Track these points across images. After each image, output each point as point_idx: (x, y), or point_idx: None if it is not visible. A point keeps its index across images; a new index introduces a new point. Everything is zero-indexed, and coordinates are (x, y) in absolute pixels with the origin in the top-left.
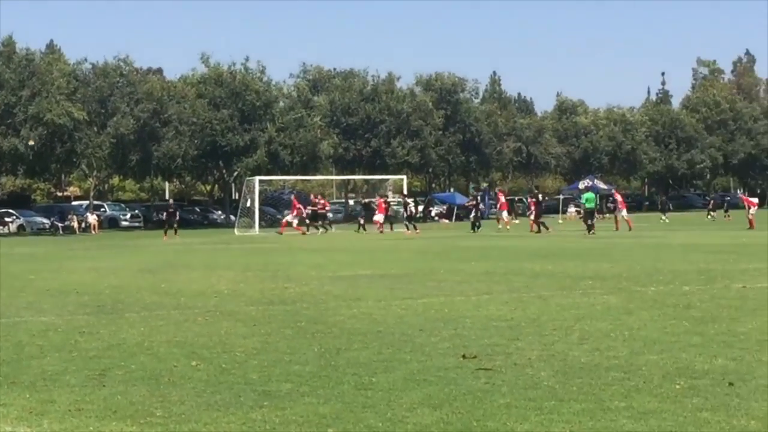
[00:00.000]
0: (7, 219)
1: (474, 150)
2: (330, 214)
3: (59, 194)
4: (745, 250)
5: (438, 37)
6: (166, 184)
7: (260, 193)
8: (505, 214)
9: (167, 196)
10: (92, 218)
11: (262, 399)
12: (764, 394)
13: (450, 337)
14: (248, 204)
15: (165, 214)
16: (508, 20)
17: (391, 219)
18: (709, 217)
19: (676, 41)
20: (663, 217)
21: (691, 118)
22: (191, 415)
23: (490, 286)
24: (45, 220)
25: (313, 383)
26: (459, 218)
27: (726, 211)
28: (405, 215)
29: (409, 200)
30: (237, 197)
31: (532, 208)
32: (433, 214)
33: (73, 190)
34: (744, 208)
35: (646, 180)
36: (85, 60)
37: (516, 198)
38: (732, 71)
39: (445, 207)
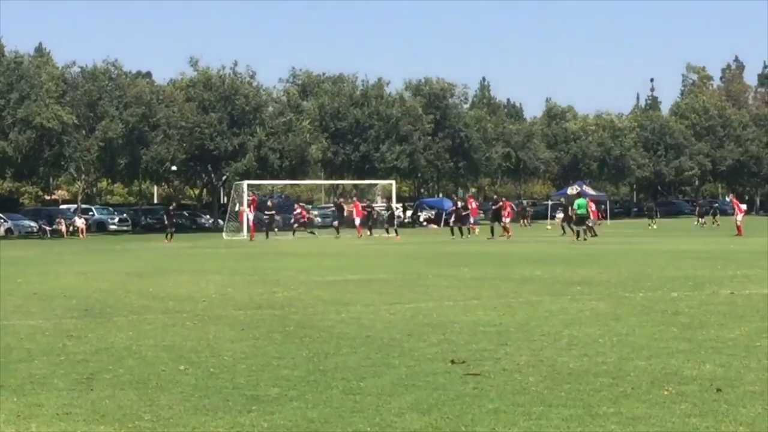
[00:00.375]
0: None
1: (463, 155)
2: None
3: (47, 198)
4: (733, 257)
5: (428, 42)
6: (155, 188)
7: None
8: (473, 219)
9: (156, 200)
10: (80, 222)
11: (250, 403)
12: (752, 400)
13: (438, 342)
14: (237, 208)
15: (166, 216)
16: (498, 26)
17: (369, 222)
18: (696, 223)
19: (666, 48)
20: (651, 224)
21: (680, 125)
22: (179, 419)
23: (479, 292)
24: (33, 224)
25: (302, 388)
26: (447, 223)
27: (714, 216)
28: (386, 219)
29: (397, 205)
30: (225, 201)
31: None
32: (421, 219)
33: (61, 193)
34: (733, 212)
35: (634, 186)
36: (74, 63)
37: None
38: (721, 78)
39: (433, 212)
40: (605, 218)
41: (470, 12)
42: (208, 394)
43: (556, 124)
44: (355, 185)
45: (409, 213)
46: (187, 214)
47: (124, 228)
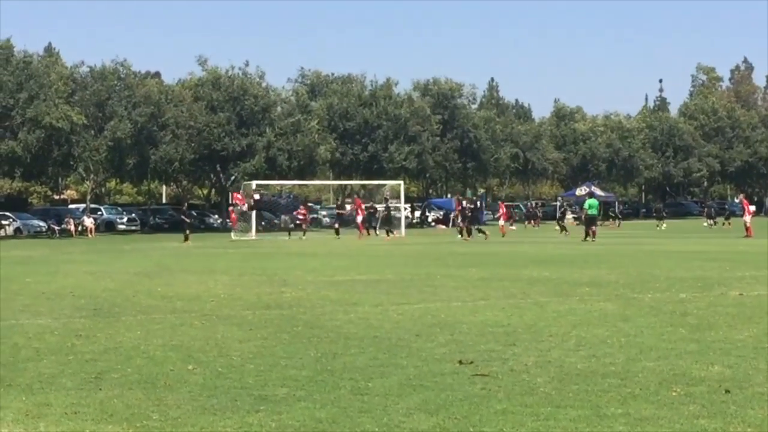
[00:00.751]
0: (3, 222)
1: (471, 156)
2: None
3: (56, 197)
4: (741, 258)
5: (436, 43)
6: (164, 187)
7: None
8: (359, 218)
9: (164, 200)
10: (89, 221)
11: (258, 403)
12: (761, 401)
13: (446, 342)
14: (245, 208)
15: (182, 216)
16: (507, 27)
17: (372, 222)
18: (705, 224)
19: (674, 49)
20: (659, 225)
21: (689, 126)
22: (187, 419)
23: (487, 292)
24: (42, 223)
25: (310, 388)
26: (456, 224)
27: (727, 218)
28: (381, 219)
29: (406, 205)
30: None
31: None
32: (430, 219)
33: (70, 193)
34: (742, 213)
35: (643, 187)
36: (83, 63)
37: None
38: (730, 79)
39: (442, 213)
40: (619, 219)
41: (479, 12)
42: (216, 393)
43: (564, 125)
44: (363, 186)
45: (417, 213)
46: (195, 214)
47: (133, 228)
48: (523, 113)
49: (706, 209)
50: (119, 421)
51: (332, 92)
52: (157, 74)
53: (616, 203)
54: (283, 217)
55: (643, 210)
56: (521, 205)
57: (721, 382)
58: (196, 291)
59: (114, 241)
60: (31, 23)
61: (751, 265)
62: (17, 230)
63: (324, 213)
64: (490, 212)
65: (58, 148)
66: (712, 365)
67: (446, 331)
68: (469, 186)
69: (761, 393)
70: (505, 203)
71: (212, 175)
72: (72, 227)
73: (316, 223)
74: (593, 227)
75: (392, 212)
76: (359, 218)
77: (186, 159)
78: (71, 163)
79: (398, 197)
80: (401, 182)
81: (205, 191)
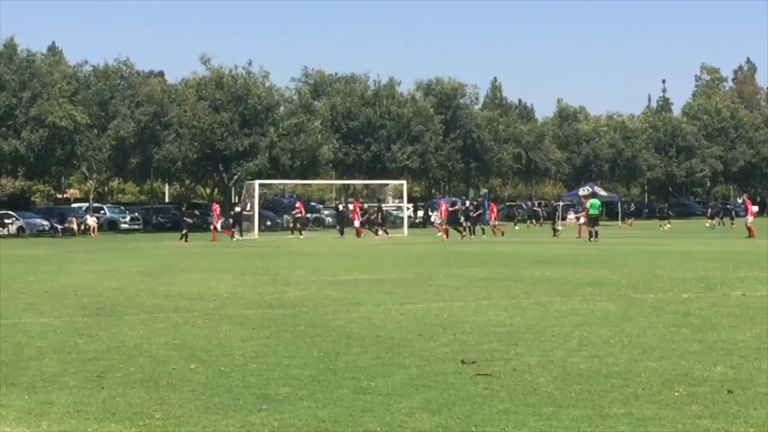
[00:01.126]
0: (6, 220)
1: (474, 156)
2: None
3: (59, 196)
4: (744, 258)
5: (440, 43)
6: (166, 187)
7: (260, 197)
8: (356, 222)
9: (167, 199)
10: (92, 220)
11: (260, 402)
12: (763, 401)
13: (449, 342)
14: (248, 208)
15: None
16: (510, 26)
17: (373, 224)
18: (708, 224)
19: (677, 49)
20: (662, 225)
21: (692, 126)
22: (190, 417)
23: (490, 292)
24: (45, 222)
25: (312, 387)
26: (459, 223)
27: (732, 219)
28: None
29: (408, 205)
30: (237, 201)
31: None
32: (432, 219)
33: (72, 192)
34: (745, 213)
35: (646, 187)
36: (86, 62)
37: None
38: (733, 79)
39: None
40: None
41: (482, 12)
42: (219, 392)
43: (567, 125)
44: (366, 185)
45: (420, 213)
46: (198, 213)
47: (136, 227)
48: (526, 113)
49: (710, 209)
50: (122, 420)
51: (335, 92)
52: (161, 73)
53: (619, 203)
54: (286, 216)
55: (646, 210)
56: (524, 205)
57: (723, 383)
58: (199, 290)
59: (117, 240)
60: (35, 22)
61: (753, 265)
62: (20, 229)
63: (327, 212)
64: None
65: (61, 147)
66: (715, 365)
67: (449, 331)
68: (472, 186)
69: (764, 393)
70: (496, 203)
71: (215, 175)
72: (75, 226)
73: (319, 223)
74: (596, 227)
75: (385, 211)
76: (356, 222)
77: (189, 158)
78: (74, 162)
79: (401, 197)
80: (404, 182)
81: (208, 190)
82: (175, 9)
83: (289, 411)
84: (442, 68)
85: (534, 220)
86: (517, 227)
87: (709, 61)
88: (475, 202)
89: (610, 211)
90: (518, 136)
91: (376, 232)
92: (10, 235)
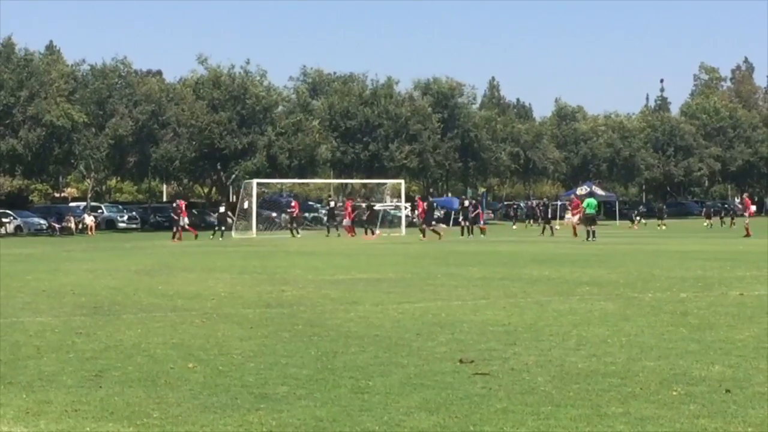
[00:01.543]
0: (4, 219)
1: (472, 155)
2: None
3: (57, 195)
4: (742, 258)
5: (438, 42)
6: (164, 186)
7: (258, 196)
8: (347, 221)
9: (165, 198)
10: (89, 219)
11: (258, 402)
12: (761, 401)
13: (447, 341)
14: (246, 207)
15: (173, 214)
16: (508, 26)
17: (369, 222)
18: (705, 224)
19: (675, 49)
20: (660, 224)
21: (690, 126)
22: (188, 417)
23: (488, 291)
24: (42, 221)
25: (310, 386)
26: (456, 223)
27: (732, 218)
28: (366, 219)
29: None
30: (235, 200)
31: (419, 211)
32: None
33: (70, 191)
34: (743, 212)
35: (643, 187)
36: (84, 61)
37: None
38: (731, 79)
39: (442, 212)
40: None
41: (480, 11)
42: (217, 392)
43: (566, 124)
44: (364, 184)
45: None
46: (196, 212)
47: (133, 226)
48: (524, 112)
49: (705, 209)
50: (120, 419)
51: (333, 91)
52: (159, 73)
53: (617, 203)
54: (284, 215)
55: (644, 210)
56: (522, 205)
57: (721, 382)
58: (197, 289)
59: (114, 239)
60: (32, 21)
61: (751, 264)
62: (18, 228)
63: (324, 211)
64: (490, 212)
65: (59, 146)
66: (713, 365)
67: (447, 330)
68: (470, 185)
69: (762, 393)
70: (462, 203)
71: (213, 174)
72: (72, 225)
73: (316, 221)
74: (593, 226)
75: (376, 210)
76: (346, 221)
77: (187, 157)
78: (72, 161)
79: (399, 196)
80: (402, 181)
81: (206, 189)
82: (173, 8)
83: (287, 410)
84: (440, 67)
85: (532, 220)
86: (515, 227)
87: (707, 61)
88: (474, 201)
89: (608, 211)
90: (516, 136)
91: (368, 232)
92: (7, 234)
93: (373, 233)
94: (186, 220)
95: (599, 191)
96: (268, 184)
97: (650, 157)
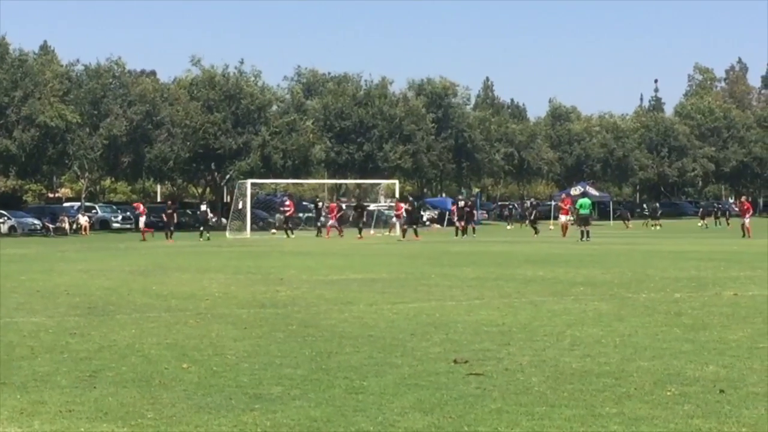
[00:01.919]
0: None
1: (466, 156)
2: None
3: (51, 195)
4: (736, 258)
5: (432, 42)
6: (158, 186)
7: (252, 196)
8: (333, 222)
9: (159, 199)
10: (83, 220)
11: (253, 402)
12: (755, 401)
13: (441, 341)
14: (240, 207)
15: (164, 215)
16: (502, 26)
17: (356, 223)
18: (700, 224)
19: (668, 49)
20: (654, 225)
21: (684, 126)
22: (182, 417)
23: (482, 292)
24: (36, 221)
25: (304, 387)
26: (451, 223)
27: (728, 219)
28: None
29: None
30: (229, 200)
31: (400, 212)
32: (424, 218)
33: (64, 191)
34: (741, 213)
35: (637, 187)
36: (78, 61)
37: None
38: (725, 79)
39: (436, 212)
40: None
41: (474, 11)
42: (211, 392)
43: (560, 124)
44: (358, 185)
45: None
46: (190, 212)
47: (127, 226)
48: (518, 113)
49: (701, 209)
50: (114, 420)
51: (328, 91)
52: (153, 73)
53: (611, 203)
54: (278, 216)
55: (638, 210)
56: (515, 205)
57: (715, 382)
58: (191, 289)
59: (108, 239)
60: (27, 21)
61: (745, 265)
62: (12, 228)
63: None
64: (484, 212)
65: (53, 146)
66: (707, 365)
67: (441, 331)
68: (464, 185)
69: (756, 393)
70: (458, 203)
71: (207, 174)
72: (66, 225)
73: (310, 222)
74: (587, 227)
75: (370, 211)
76: (331, 221)
77: (181, 157)
78: (66, 161)
79: (393, 196)
80: (396, 181)
81: (200, 190)
82: (167, 8)
83: (281, 410)
84: (434, 68)
85: (527, 220)
86: (509, 227)
87: (701, 61)
88: (469, 202)
89: (602, 211)
90: (510, 136)
91: (360, 232)
92: (1, 235)
93: (360, 233)
94: (143, 219)
95: (593, 191)
96: (262, 184)
97: (644, 157)
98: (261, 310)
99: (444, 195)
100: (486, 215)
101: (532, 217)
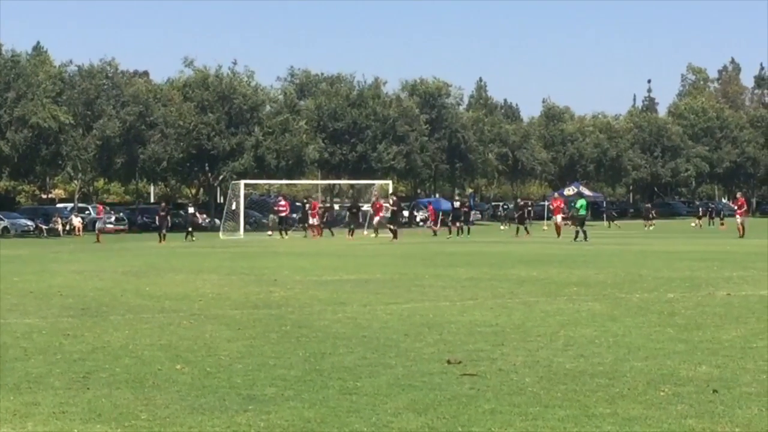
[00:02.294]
0: None
1: (459, 156)
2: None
3: (44, 196)
4: (729, 258)
5: (425, 43)
6: (152, 187)
7: (245, 196)
8: (314, 220)
9: (152, 199)
10: (77, 221)
11: (246, 403)
12: (748, 401)
13: (435, 342)
14: (233, 207)
15: (157, 217)
16: (495, 26)
17: (330, 223)
18: (693, 224)
19: (661, 49)
20: (647, 225)
21: (677, 126)
22: (176, 418)
23: (475, 292)
24: (29, 223)
25: (298, 387)
26: (444, 224)
27: (722, 219)
28: (348, 219)
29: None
30: (222, 201)
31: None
32: (418, 219)
33: (58, 192)
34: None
35: (631, 187)
36: (71, 62)
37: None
38: (718, 79)
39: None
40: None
41: (467, 12)
42: (205, 393)
43: (553, 125)
44: (351, 185)
45: (405, 213)
46: (183, 213)
47: (121, 227)
48: (511, 113)
49: (701, 209)
50: (107, 421)
51: (321, 92)
52: (146, 73)
53: (605, 203)
54: (271, 216)
55: (631, 210)
56: (509, 205)
57: (708, 382)
58: (185, 290)
59: (102, 240)
60: (19, 22)
61: (738, 265)
62: (5, 229)
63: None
64: (478, 212)
65: (46, 147)
66: (700, 365)
67: (435, 331)
68: (458, 186)
69: (749, 393)
70: (433, 205)
71: (201, 175)
72: (60, 226)
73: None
74: (583, 227)
75: (357, 212)
76: (312, 220)
77: (174, 158)
78: (59, 162)
79: (386, 197)
80: (389, 182)
81: (194, 191)
82: (160, 8)
83: (275, 411)
84: (427, 68)
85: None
86: (503, 227)
87: (694, 61)
88: (466, 202)
89: (595, 212)
90: (504, 136)
91: (350, 232)
92: None
93: (352, 234)
94: (102, 221)
95: (586, 192)
96: (256, 185)
97: (637, 157)
98: (254, 310)
99: (438, 195)
100: (480, 216)
101: (516, 217)
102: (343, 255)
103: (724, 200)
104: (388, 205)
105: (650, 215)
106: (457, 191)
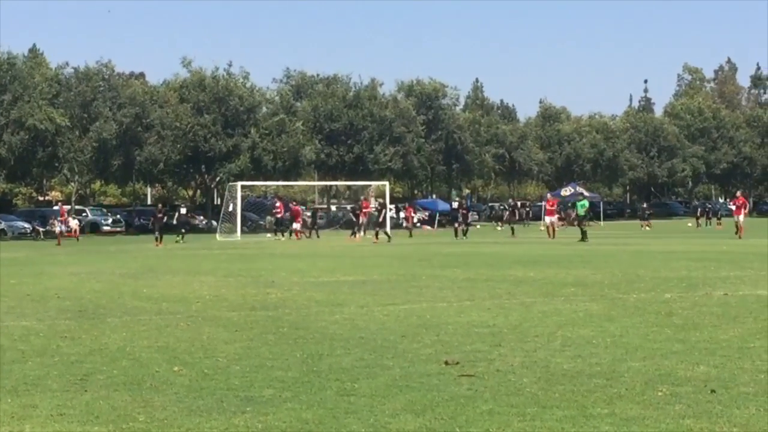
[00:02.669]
0: None
1: (456, 157)
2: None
3: (41, 199)
4: (726, 258)
5: (421, 44)
6: (148, 189)
7: (242, 198)
8: (296, 225)
9: (149, 201)
10: (74, 223)
11: (244, 404)
12: (746, 401)
13: (432, 343)
14: (230, 209)
15: (152, 218)
16: (492, 27)
17: (314, 226)
18: (690, 224)
19: (658, 49)
20: (643, 225)
21: (674, 126)
22: (174, 420)
23: (473, 293)
24: (26, 225)
25: (296, 389)
26: (441, 225)
27: (719, 218)
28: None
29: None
30: (219, 202)
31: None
32: (415, 220)
33: (54, 194)
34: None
35: (627, 187)
36: (67, 64)
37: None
38: (714, 79)
39: (427, 213)
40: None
41: (464, 13)
42: (202, 395)
43: (550, 125)
44: (348, 186)
45: (402, 214)
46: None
47: (118, 229)
48: (508, 113)
49: (700, 209)
50: (105, 423)
51: (317, 93)
52: (142, 75)
53: (601, 203)
54: (268, 218)
55: (628, 210)
56: (506, 206)
57: (706, 382)
58: (182, 292)
59: (99, 242)
60: (15, 24)
61: (735, 265)
62: (1, 232)
63: (308, 214)
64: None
65: (42, 149)
66: (698, 365)
67: (432, 332)
68: (454, 187)
69: (746, 393)
70: (413, 206)
71: (197, 176)
72: (56, 229)
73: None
74: (583, 227)
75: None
76: (295, 225)
77: (171, 160)
78: (56, 164)
79: (383, 197)
80: (386, 183)
81: (190, 192)
82: (156, 10)
83: (272, 413)
84: (424, 69)
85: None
86: (500, 228)
87: (690, 61)
88: (465, 203)
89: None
90: (500, 137)
91: (355, 234)
92: None
93: (355, 235)
94: (70, 222)
95: (583, 192)
96: (253, 186)
97: (634, 157)
98: (252, 312)
99: (435, 197)
100: (477, 216)
101: (505, 217)
102: (339, 256)
103: (720, 200)
104: (372, 208)
105: (645, 215)
106: (454, 192)
